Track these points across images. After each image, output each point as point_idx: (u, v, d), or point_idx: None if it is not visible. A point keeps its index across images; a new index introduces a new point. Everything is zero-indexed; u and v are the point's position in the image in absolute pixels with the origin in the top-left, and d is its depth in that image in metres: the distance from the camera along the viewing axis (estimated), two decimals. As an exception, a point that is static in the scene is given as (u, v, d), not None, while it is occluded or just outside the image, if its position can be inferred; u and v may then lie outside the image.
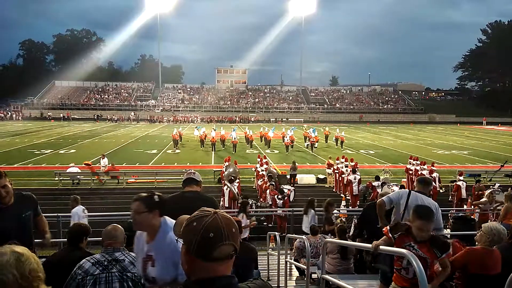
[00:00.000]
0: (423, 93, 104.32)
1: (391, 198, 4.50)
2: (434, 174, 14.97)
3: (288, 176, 17.58)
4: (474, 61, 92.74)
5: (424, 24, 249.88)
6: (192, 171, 3.79)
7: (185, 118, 60.15)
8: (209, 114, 63.26)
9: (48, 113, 60.50)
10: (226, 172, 14.27)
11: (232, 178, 13.22)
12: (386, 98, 78.25)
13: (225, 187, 12.77)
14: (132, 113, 61.89)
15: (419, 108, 74.86)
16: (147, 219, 2.46)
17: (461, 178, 14.09)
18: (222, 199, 13.02)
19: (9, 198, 3.38)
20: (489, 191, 11.32)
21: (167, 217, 2.55)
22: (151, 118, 60.45)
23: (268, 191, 13.15)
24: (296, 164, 18.09)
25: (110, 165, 18.49)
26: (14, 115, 60.21)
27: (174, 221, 2.55)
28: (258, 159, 17.81)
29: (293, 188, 15.22)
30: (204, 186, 18.02)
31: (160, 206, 2.52)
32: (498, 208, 9.46)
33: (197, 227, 1.27)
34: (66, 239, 3.84)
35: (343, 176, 15.73)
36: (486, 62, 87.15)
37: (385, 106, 74.02)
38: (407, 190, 4.74)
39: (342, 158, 17.51)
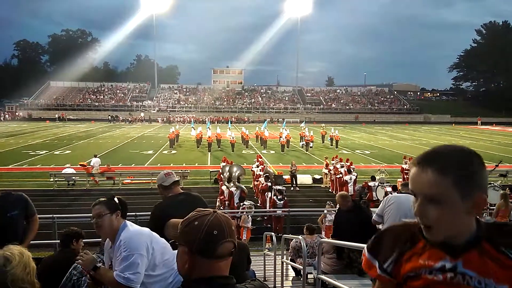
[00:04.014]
0: (418, 93, 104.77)
1: (378, 214, 4.73)
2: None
3: (288, 176, 17.57)
4: (468, 62, 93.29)
5: (420, 24, 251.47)
6: (169, 172, 3.61)
7: (196, 119, 57.07)
8: (205, 115, 63.18)
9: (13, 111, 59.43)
10: (234, 174, 13.91)
11: (240, 177, 13.28)
12: (382, 99, 78.52)
13: (233, 188, 12.59)
14: (142, 114, 61.41)
15: (414, 108, 75.18)
16: (110, 222, 2.46)
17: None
18: (220, 198, 12.98)
19: None
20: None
21: (128, 222, 2.54)
22: (168, 119, 58.78)
23: (268, 198, 12.91)
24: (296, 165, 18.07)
25: (106, 165, 18.45)
26: (7, 116, 59.78)
27: (135, 225, 2.54)
28: (255, 159, 17.81)
29: (284, 188, 15.06)
30: (201, 187, 18.05)
31: (121, 207, 2.54)
32: (491, 208, 9.49)
33: (199, 225, 1.28)
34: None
35: (338, 176, 15.76)
36: (481, 62, 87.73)
37: (381, 107, 74.28)
38: (390, 195, 4.88)
39: (337, 158, 17.54)
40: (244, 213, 10.83)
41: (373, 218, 5.05)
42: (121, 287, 2.28)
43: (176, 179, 3.57)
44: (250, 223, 10.87)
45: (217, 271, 1.30)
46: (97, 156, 19.28)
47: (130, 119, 58.46)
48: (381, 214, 4.86)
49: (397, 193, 4.89)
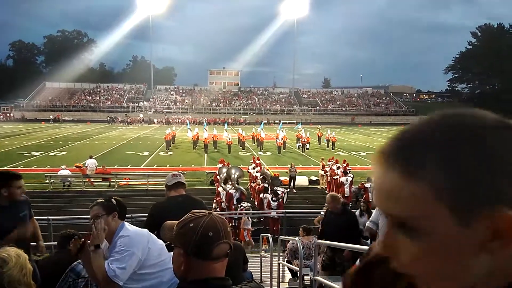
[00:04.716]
0: (414, 95, 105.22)
1: (373, 221, 4.69)
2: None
3: (285, 178, 17.56)
4: (464, 64, 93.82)
5: (415, 27, 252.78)
6: (177, 173, 3.67)
7: (192, 120, 56.57)
8: (201, 116, 63.10)
9: None
10: (233, 176, 13.93)
11: (239, 179, 13.33)
12: (378, 100, 78.79)
13: (233, 190, 12.60)
14: (141, 115, 61.15)
15: (410, 110, 75.48)
16: (106, 223, 2.47)
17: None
18: (216, 200, 12.97)
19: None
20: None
21: (126, 223, 2.55)
22: (167, 120, 58.17)
23: (266, 200, 12.88)
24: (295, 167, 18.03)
25: (101, 167, 18.37)
26: (1, 117, 59.44)
27: (133, 226, 2.56)
28: (252, 161, 17.80)
29: (287, 190, 15.18)
30: (197, 188, 18.03)
31: (118, 208, 2.55)
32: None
33: (194, 227, 1.29)
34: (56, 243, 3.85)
35: (335, 177, 15.79)
36: (476, 64, 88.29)
37: (377, 108, 74.55)
38: None
39: (333, 160, 17.58)
40: (244, 215, 10.85)
41: (367, 225, 5.02)
42: (106, 278, 2.28)
43: (181, 181, 3.58)
44: (250, 225, 10.90)
45: (213, 273, 1.30)
46: (93, 157, 19.20)
47: (129, 120, 58.33)
48: (375, 221, 4.79)
49: None
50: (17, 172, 3.55)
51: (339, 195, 6.06)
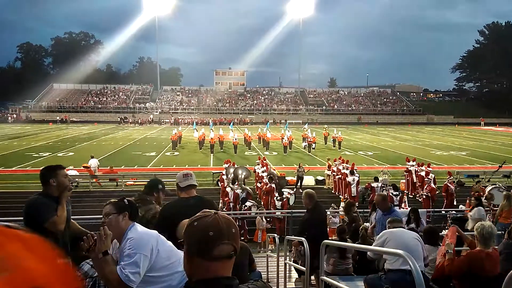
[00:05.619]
0: (421, 94, 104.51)
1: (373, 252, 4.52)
2: (430, 175, 14.97)
3: (291, 178, 17.53)
4: (471, 62, 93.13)
5: (422, 26, 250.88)
6: (188, 173, 3.59)
7: (199, 121, 57.00)
8: (207, 116, 63.24)
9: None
10: (240, 176, 13.90)
11: (245, 179, 13.40)
12: (384, 100, 78.39)
13: (239, 190, 12.62)
14: (151, 116, 61.54)
15: (417, 109, 75.03)
16: (116, 221, 2.50)
17: (450, 178, 14.22)
18: (222, 200, 13.00)
19: None
20: (488, 189, 11.31)
21: (136, 223, 2.56)
22: (176, 120, 58.21)
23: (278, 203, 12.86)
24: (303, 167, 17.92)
25: (108, 167, 18.48)
26: (9, 118, 60.06)
27: (143, 227, 2.57)
28: (258, 161, 17.78)
29: (294, 191, 14.96)
30: (203, 188, 18.06)
31: (129, 209, 2.57)
32: (495, 209, 9.44)
33: (197, 226, 1.29)
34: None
35: (339, 177, 15.73)
36: (484, 63, 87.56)
37: (383, 108, 74.17)
38: (384, 232, 4.47)
39: (339, 159, 17.51)
40: (258, 216, 10.93)
41: (368, 254, 4.86)
42: (120, 282, 2.29)
43: (193, 183, 3.54)
44: (265, 224, 10.98)
45: (216, 273, 1.29)
46: (94, 157, 19.15)
47: (140, 121, 58.72)
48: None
49: (388, 228, 4.75)
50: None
51: (314, 192, 6.08)
